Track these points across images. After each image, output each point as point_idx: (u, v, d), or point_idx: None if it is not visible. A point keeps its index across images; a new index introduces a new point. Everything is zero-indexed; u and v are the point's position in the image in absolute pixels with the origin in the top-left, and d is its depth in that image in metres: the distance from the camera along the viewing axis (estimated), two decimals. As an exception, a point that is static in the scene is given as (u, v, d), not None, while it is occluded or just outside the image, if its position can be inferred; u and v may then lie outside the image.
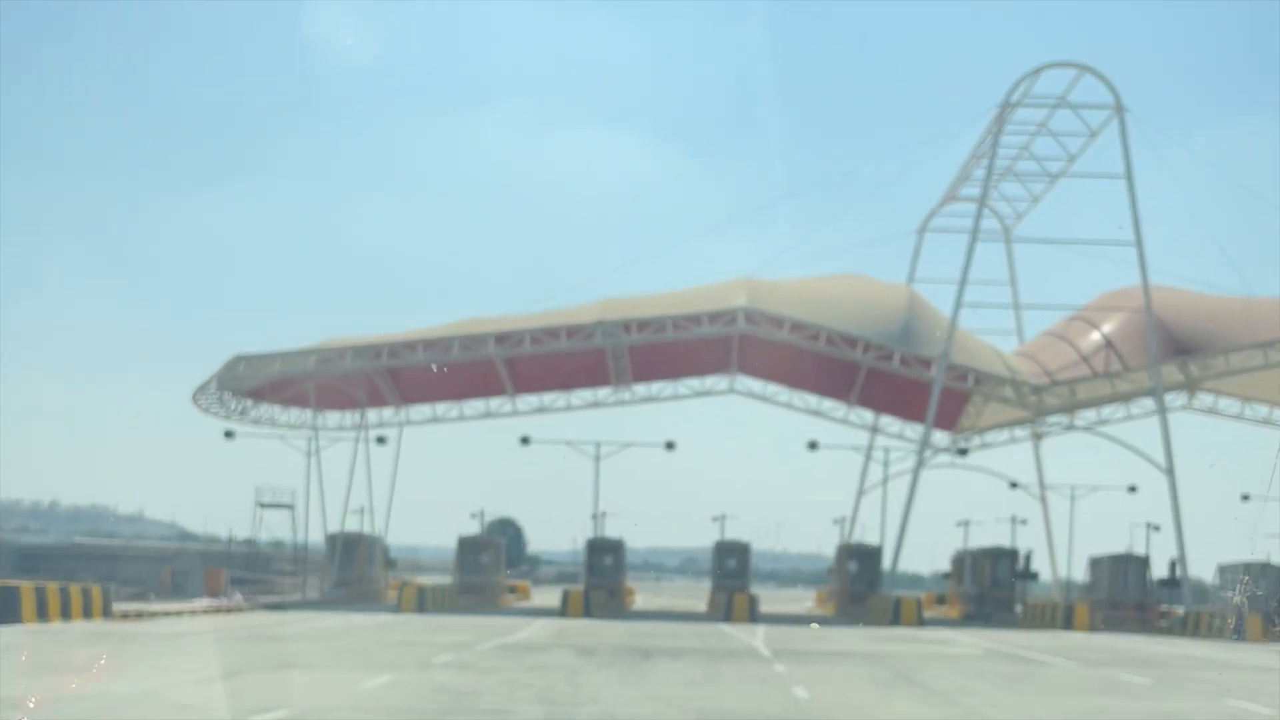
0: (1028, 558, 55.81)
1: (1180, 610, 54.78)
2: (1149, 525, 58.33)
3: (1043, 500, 66.33)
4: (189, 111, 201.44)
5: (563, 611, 46.96)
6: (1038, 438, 66.06)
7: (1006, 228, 64.23)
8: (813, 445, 55.47)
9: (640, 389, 61.56)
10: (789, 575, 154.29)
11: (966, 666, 27.17)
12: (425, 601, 47.26)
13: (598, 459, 53.82)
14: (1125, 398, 55.73)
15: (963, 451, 58.81)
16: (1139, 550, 58.19)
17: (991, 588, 56.28)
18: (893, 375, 57.26)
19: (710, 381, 61.90)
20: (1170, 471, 52.74)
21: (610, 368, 59.13)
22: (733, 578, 57.58)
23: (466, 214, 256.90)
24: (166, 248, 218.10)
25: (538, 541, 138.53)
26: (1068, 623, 47.77)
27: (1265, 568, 56.11)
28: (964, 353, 53.68)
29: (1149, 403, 61.38)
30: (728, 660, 26.69)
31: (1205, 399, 63.52)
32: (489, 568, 58.48)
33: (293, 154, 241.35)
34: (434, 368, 56.12)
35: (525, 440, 54.95)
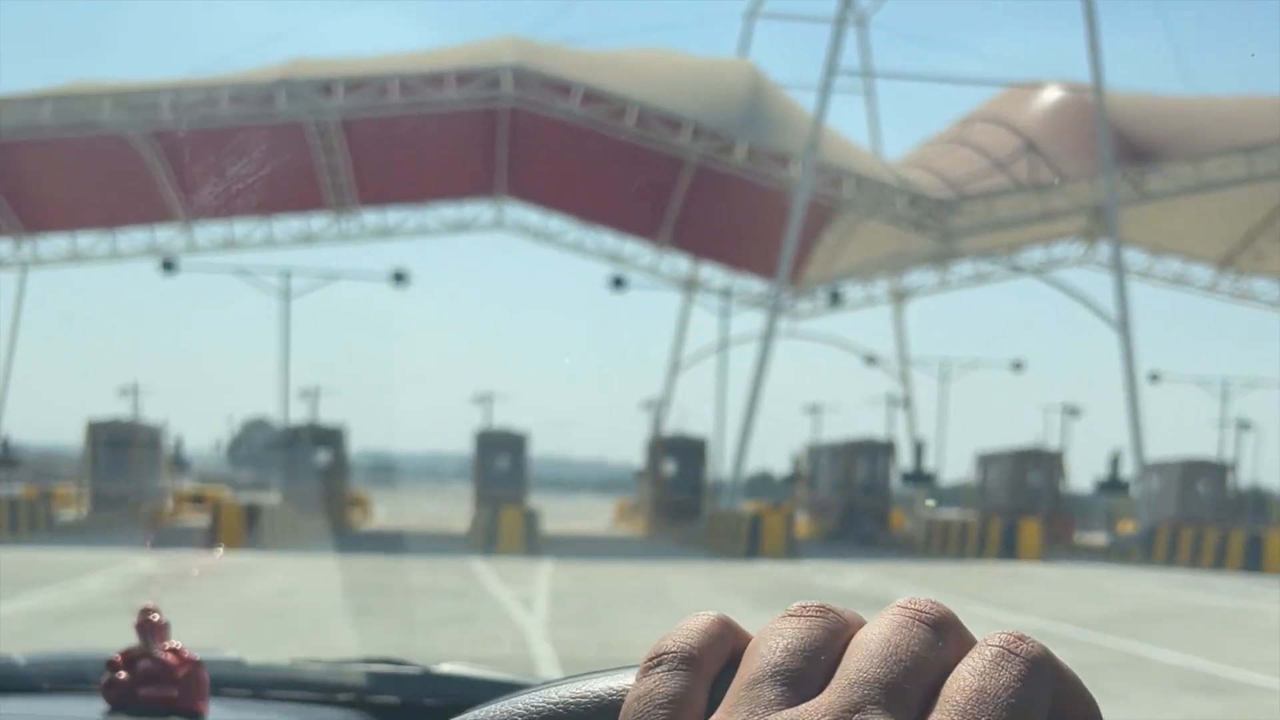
0: (919, 450, 37.60)
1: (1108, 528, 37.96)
2: (1065, 409, 40.89)
3: (904, 378, 48.35)
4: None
5: (211, 537, 26.64)
6: (899, 297, 47.91)
7: (862, 14, 45.25)
8: (618, 282, 35.87)
9: (371, 219, 40.97)
10: (574, 483, 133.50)
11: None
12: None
13: (287, 297, 32.87)
14: (1056, 220, 37.81)
15: (835, 297, 39.91)
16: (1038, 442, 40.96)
17: (864, 495, 37.89)
18: (720, 205, 38.09)
19: (469, 211, 41.68)
20: (1125, 326, 35.09)
21: (325, 184, 38.37)
22: (504, 484, 37.69)
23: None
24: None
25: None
26: (1008, 549, 29.64)
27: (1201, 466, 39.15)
28: (836, 151, 34.79)
29: (1038, 254, 44.11)
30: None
31: (1105, 250, 46.35)
32: (140, 469, 37.35)
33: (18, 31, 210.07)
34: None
35: (169, 266, 33.72)
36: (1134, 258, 45.52)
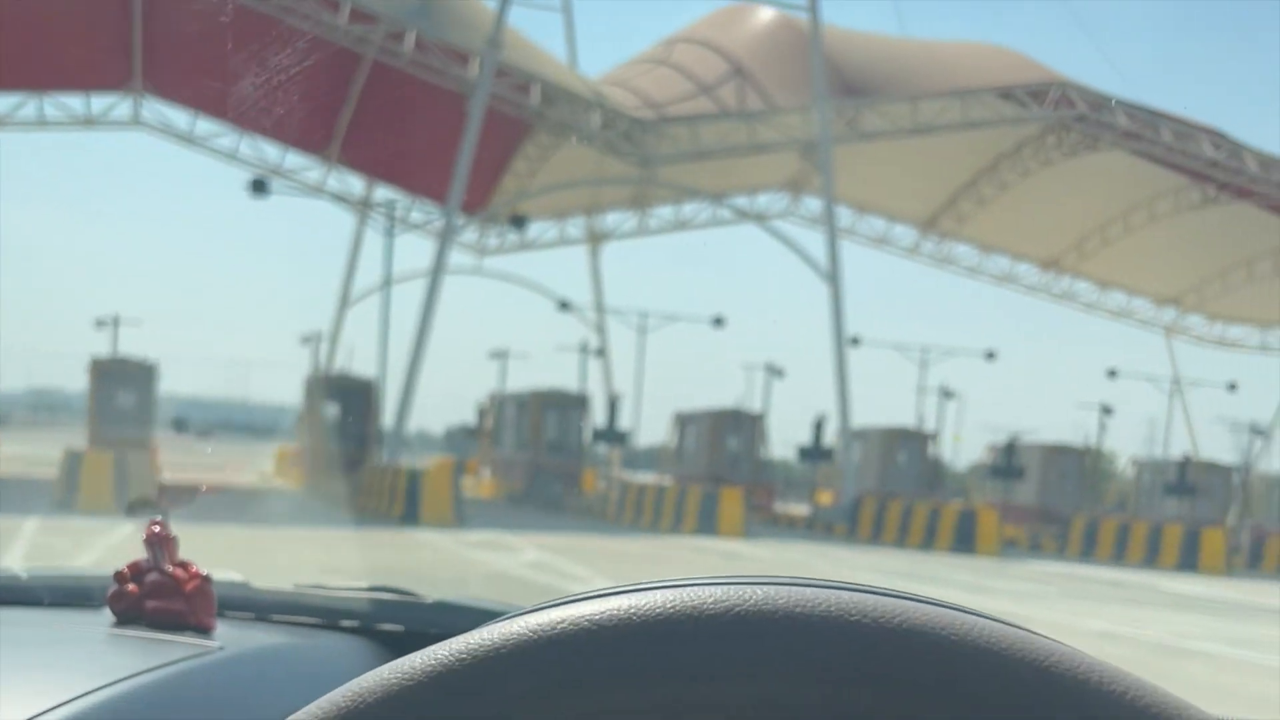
0: (613, 406, 33.09)
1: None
2: (768, 369, 37.32)
3: (600, 326, 43.83)
4: None
5: None
6: (595, 239, 43.30)
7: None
8: (259, 185, 29.44)
9: (-18, 106, 33.32)
10: (261, 429, 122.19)
11: None
12: None
13: None
14: (763, 154, 33.88)
15: (518, 221, 34.66)
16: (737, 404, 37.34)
17: (553, 454, 33.09)
18: (397, 115, 32.55)
19: (100, 104, 34.50)
20: (834, 278, 31.54)
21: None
22: (124, 423, 30.89)
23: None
24: None
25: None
26: (708, 521, 25.37)
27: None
28: (524, 56, 29.71)
29: (742, 203, 40.48)
30: None
31: (811, 205, 43.07)
32: None
33: None
34: None
35: None
36: (839, 214, 42.40)
